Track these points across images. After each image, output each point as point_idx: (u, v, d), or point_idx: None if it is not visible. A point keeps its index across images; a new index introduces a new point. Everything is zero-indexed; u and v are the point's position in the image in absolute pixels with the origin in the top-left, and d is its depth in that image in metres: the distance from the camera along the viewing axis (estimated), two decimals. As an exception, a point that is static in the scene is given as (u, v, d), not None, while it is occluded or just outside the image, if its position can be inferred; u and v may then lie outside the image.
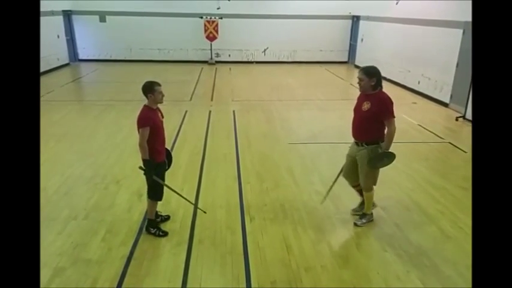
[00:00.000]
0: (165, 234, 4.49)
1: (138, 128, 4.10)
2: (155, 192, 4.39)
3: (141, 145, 4.10)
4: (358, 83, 4.35)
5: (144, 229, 4.58)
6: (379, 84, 4.30)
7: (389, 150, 4.37)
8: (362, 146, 4.45)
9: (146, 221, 4.59)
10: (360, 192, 4.90)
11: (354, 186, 4.93)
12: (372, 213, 4.86)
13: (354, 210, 5.03)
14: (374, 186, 4.68)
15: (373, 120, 4.33)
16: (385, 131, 4.36)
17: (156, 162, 4.24)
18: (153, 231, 4.48)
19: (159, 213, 4.68)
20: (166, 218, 4.77)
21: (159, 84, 4.19)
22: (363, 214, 4.83)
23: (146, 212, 4.67)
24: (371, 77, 4.25)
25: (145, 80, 4.22)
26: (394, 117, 4.29)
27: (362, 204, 4.95)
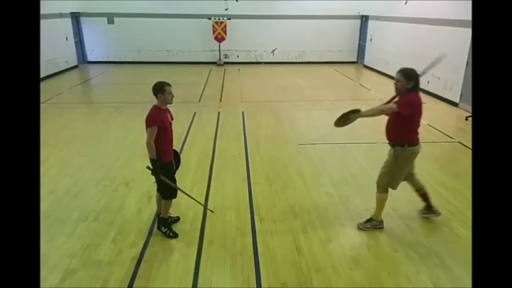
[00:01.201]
0: (176, 235, 4.50)
1: (146, 127, 4.13)
2: (166, 191, 4.39)
3: (148, 144, 4.11)
4: (395, 83, 4.22)
5: (155, 228, 4.61)
6: (414, 89, 4.17)
7: (357, 114, 4.24)
8: (392, 147, 4.39)
9: (157, 218, 4.60)
10: (423, 197, 4.82)
11: (415, 191, 4.83)
12: (380, 221, 4.71)
13: (421, 211, 4.97)
14: (386, 193, 4.56)
15: (397, 121, 4.25)
16: (412, 132, 4.30)
17: (162, 162, 4.26)
18: (164, 230, 4.49)
19: (168, 214, 4.69)
20: (176, 220, 4.78)
21: (169, 85, 4.20)
22: (369, 219, 4.72)
23: (157, 214, 4.71)
24: (408, 79, 4.13)
25: (154, 82, 4.24)
26: (398, 108, 4.10)
27: (425, 208, 4.90)
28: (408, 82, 4.13)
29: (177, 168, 4.57)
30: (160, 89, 4.15)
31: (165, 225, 4.52)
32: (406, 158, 4.37)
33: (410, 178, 4.70)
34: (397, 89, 4.22)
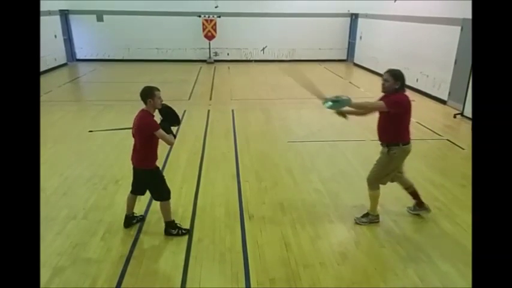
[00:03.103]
0: (187, 231, 4.52)
1: (148, 133, 4.07)
2: (160, 192, 4.37)
3: (169, 141, 4.23)
4: (383, 84, 4.33)
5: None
6: (401, 88, 4.29)
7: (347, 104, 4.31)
8: (385, 147, 4.46)
9: (164, 225, 4.52)
10: (413, 195, 4.90)
11: (405, 189, 4.90)
12: (377, 216, 4.81)
13: (409, 208, 5.06)
14: (378, 190, 4.65)
15: (388, 120, 4.34)
16: (404, 131, 4.40)
17: (153, 168, 4.31)
18: (174, 232, 4.46)
19: (134, 214, 4.69)
20: (141, 218, 4.78)
21: (158, 89, 4.15)
22: (366, 213, 4.81)
23: (127, 215, 4.66)
24: (396, 79, 4.24)
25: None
26: (384, 105, 4.20)
27: (416, 205, 4.97)
28: (396, 82, 4.24)
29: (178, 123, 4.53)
30: (150, 93, 4.08)
31: (172, 227, 4.48)
32: (401, 157, 4.48)
33: (399, 178, 4.78)
34: (384, 89, 4.33)
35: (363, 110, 4.51)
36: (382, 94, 4.41)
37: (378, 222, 4.78)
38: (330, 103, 4.29)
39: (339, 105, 4.33)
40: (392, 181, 4.78)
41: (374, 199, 4.71)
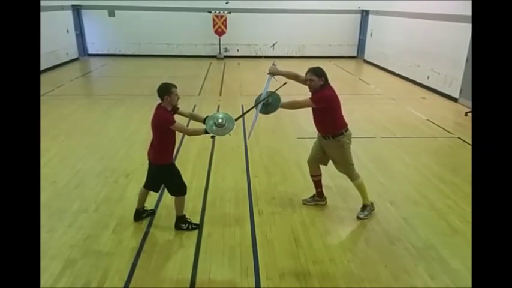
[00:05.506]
0: (198, 225, 4.56)
1: (165, 128, 4.10)
2: (177, 188, 4.39)
3: (192, 133, 4.54)
4: (309, 83, 4.53)
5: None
6: (326, 83, 4.49)
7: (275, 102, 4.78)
8: (329, 139, 4.62)
9: (175, 219, 4.54)
10: (316, 184, 5.07)
11: (312, 176, 5.07)
12: (371, 204, 4.90)
13: (305, 200, 5.18)
14: (359, 177, 4.79)
15: (324, 114, 4.54)
16: (341, 119, 4.62)
17: (171, 162, 4.33)
18: (185, 227, 4.49)
19: (145, 208, 4.71)
20: (152, 213, 4.81)
21: (175, 86, 4.16)
22: (363, 206, 4.87)
23: (137, 209, 4.69)
24: (319, 76, 4.45)
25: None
26: (313, 103, 4.45)
27: (314, 196, 5.12)
28: (320, 79, 4.46)
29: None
30: (167, 90, 4.10)
31: (183, 222, 4.51)
32: (349, 141, 4.69)
33: (315, 162, 4.97)
34: (311, 87, 4.55)
35: (292, 108, 4.84)
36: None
37: (374, 209, 4.91)
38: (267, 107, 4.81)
39: (272, 109, 4.85)
40: (310, 161, 5.01)
41: (361, 187, 4.83)
